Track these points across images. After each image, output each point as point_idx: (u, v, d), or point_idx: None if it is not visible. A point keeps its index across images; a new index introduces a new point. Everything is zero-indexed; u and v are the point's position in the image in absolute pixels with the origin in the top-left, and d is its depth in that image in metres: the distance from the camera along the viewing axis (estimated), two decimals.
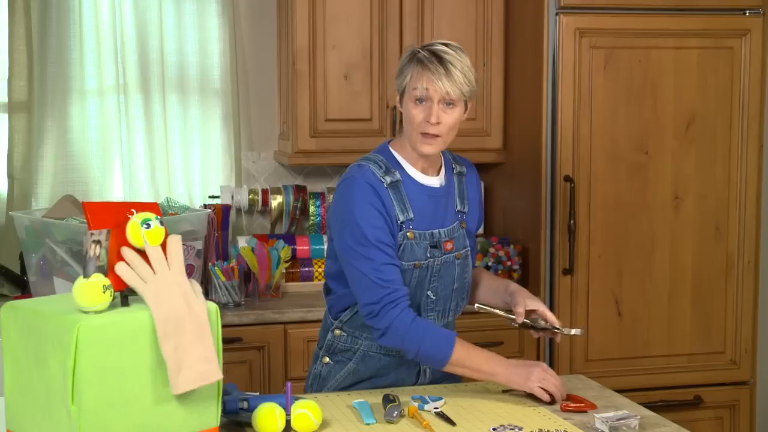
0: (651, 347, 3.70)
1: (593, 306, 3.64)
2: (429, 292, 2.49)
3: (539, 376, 2.39)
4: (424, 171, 2.50)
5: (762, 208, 3.77)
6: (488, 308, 2.53)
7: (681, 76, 3.64)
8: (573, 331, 2.51)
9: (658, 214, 3.67)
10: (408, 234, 2.43)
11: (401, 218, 2.43)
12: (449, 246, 2.50)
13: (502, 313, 2.54)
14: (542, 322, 2.51)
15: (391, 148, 2.51)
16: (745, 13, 3.69)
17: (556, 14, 3.54)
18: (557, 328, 2.50)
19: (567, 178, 3.56)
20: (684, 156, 3.67)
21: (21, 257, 3.57)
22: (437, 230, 2.49)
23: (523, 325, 2.52)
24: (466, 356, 2.39)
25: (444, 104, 2.38)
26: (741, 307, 3.76)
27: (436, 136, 2.39)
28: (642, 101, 3.62)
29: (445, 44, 2.42)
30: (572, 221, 3.56)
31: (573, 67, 3.55)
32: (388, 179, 2.43)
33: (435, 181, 2.51)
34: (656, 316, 3.69)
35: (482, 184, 2.71)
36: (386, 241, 2.38)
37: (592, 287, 3.63)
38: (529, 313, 2.51)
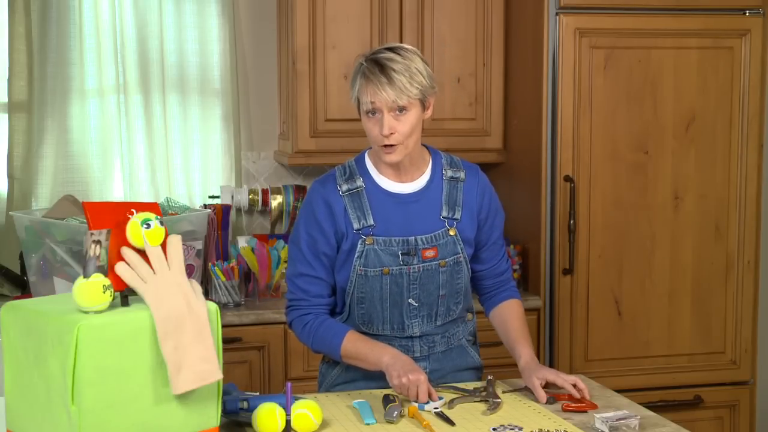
0: (651, 347, 3.69)
1: (593, 306, 3.64)
2: (410, 300, 2.48)
3: (402, 383, 2.31)
4: (396, 177, 2.47)
5: (762, 207, 3.77)
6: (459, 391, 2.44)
7: (681, 76, 3.64)
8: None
9: (658, 214, 3.66)
10: (367, 240, 2.43)
11: (357, 226, 2.43)
12: (430, 253, 2.45)
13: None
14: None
15: (366, 155, 2.53)
16: (745, 13, 3.68)
17: (556, 14, 3.54)
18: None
19: (567, 178, 3.56)
20: (684, 156, 3.67)
21: (21, 257, 3.57)
22: (412, 237, 2.45)
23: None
24: (353, 348, 2.42)
25: (395, 112, 2.35)
26: (741, 307, 3.76)
27: (396, 144, 2.38)
28: (642, 101, 3.62)
29: (391, 48, 2.38)
30: (572, 221, 3.56)
31: (573, 67, 3.55)
32: (345, 187, 2.46)
33: (407, 188, 2.48)
34: (656, 316, 3.69)
35: (491, 190, 2.58)
36: (320, 251, 2.45)
37: (592, 287, 3.63)
38: (548, 385, 2.42)
